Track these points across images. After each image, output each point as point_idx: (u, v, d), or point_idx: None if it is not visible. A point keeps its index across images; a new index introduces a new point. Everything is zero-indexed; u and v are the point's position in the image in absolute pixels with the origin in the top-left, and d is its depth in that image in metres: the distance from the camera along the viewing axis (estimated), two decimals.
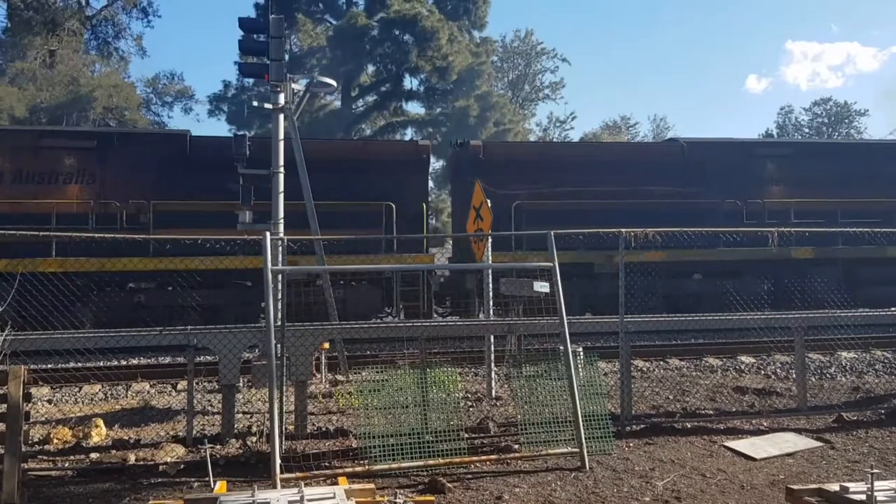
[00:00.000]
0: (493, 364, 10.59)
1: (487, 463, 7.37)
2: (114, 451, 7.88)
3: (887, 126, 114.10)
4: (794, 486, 6.17)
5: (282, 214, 11.62)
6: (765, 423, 8.96)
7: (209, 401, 10.51)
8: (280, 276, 8.69)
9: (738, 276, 18.10)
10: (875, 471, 5.53)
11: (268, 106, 11.75)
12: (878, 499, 5.41)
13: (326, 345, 10.64)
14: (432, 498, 6.18)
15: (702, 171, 18.98)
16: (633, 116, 73.98)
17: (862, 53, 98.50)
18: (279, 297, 8.63)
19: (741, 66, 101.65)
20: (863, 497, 5.48)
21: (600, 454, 7.61)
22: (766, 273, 18.60)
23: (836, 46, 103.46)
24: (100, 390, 11.43)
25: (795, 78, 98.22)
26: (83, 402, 10.82)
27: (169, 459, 7.44)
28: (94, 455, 7.75)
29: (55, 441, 8.32)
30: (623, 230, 9.01)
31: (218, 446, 7.84)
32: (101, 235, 12.25)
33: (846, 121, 56.92)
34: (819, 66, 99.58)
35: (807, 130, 57.43)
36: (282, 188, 11.66)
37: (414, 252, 17.04)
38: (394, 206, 16.82)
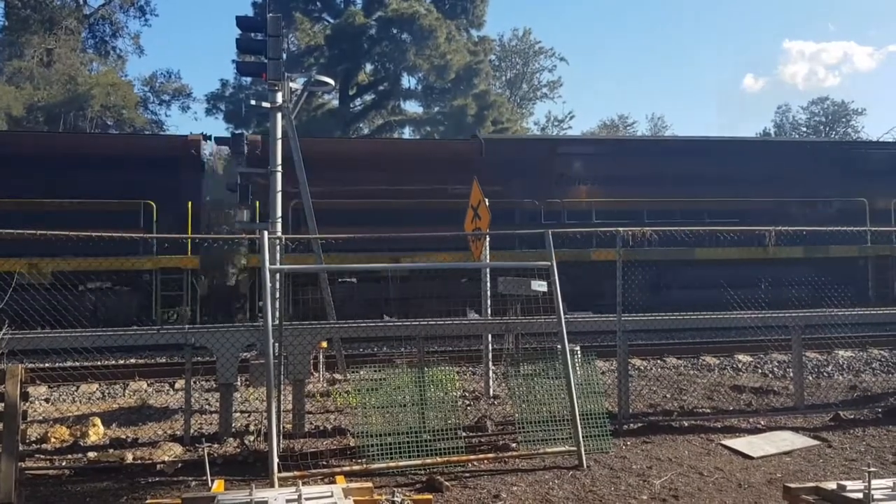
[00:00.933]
0: (490, 363, 10.60)
1: (485, 461, 7.38)
2: (111, 451, 7.87)
3: (884, 125, 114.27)
4: (792, 485, 6.17)
5: (279, 213, 11.61)
6: (762, 422, 8.97)
7: (207, 400, 10.51)
8: (278, 275, 8.70)
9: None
10: (872, 469, 5.53)
11: (265, 105, 11.74)
12: (875, 497, 5.42)
13: (324, 344, 10.64)
14: (430, 497, 6.18)
15: (503, 169, 18.06)
16: (630, 115, 74.00)
17: (859, 52, 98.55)
18: (277, 295, 8.63)
19: (738, 64, 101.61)
20: (860, 495, 5.49)
21: (598, 453, 7.62)
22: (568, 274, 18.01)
23: (833, 45, 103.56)
24: (97, 389, 11.42)
25: (793, 77, 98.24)
26: (81, 401, 10.81)
27: (166, 458, 7.44)
28: (91, 454, 7.75)
29: (52, 440, 8.31)
30: (620, 229, 9.01)
31: (216, 445, 7.84)
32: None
33: (843, 120, 56.98)
34: (816, 65, 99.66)
35: (804, 129, 57.47)
36: (279, 187, 11.66)
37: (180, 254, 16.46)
38: (155, 206, 16.29)
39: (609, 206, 18.19)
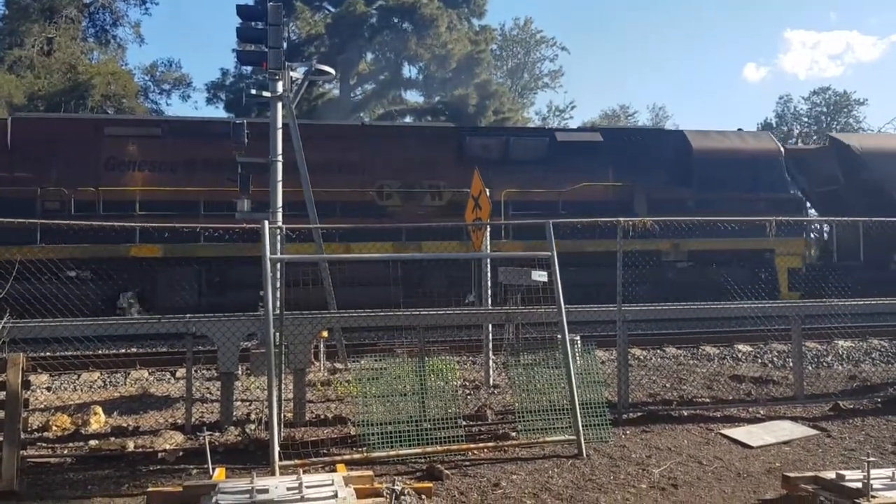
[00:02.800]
0: (490, 352, 10.62)
1: (485, 450, 7.41)
2: (113, 439, 7.90)
3: (886, 115, 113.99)
4: (791, 474, 6.22)
5: (280, 203, 11.61)
6: (761, 412, 9.00)
7: (208, 388, 10.54)
8: (279, 265, 8.71)
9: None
10: (871, 459, 5.57)
11: (266, 94, 11.72)
12: (874, 486, 5.46)
13: (325, 333, 10.67)
14: (430, 485, 6.21)
15: (39, 153, 16.39)
16: (631, 105, 73.87)
17: (861, 42, 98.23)
18: (277, 285, 8.64)
19: (739, 54, 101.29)
20: (859, 485, 5.53)
21: (597, 442, 7.65)
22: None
23: (834, 35, 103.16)
24: (98, 378, 11.45)
25: (794, 66, 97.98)
26: (82, 390, 10.84)
27: (168, 447, 7.47)
28: (92, 442, 7.77)
29: (54, 428, 8.34)
30: (621, 219, 9.02)
31: (217, 434, 7.87)
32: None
33: (845, 110, 56.81)
34: (818, 55, 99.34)
35: (806, 120, 57.33)
36: (280, 176, 11.65)
37: None
38: None
39: (156, 196, 16.61)
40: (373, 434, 7.29)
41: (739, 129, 23.03)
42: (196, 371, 10.55)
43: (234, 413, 8.60)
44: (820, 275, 18.10)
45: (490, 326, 10.49)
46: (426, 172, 18.69)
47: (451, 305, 10.49)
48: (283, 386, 7.85)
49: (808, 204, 23.37)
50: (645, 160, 19.45)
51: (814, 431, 8.22)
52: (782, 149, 21.06)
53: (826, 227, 22.39)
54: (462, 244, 15.72)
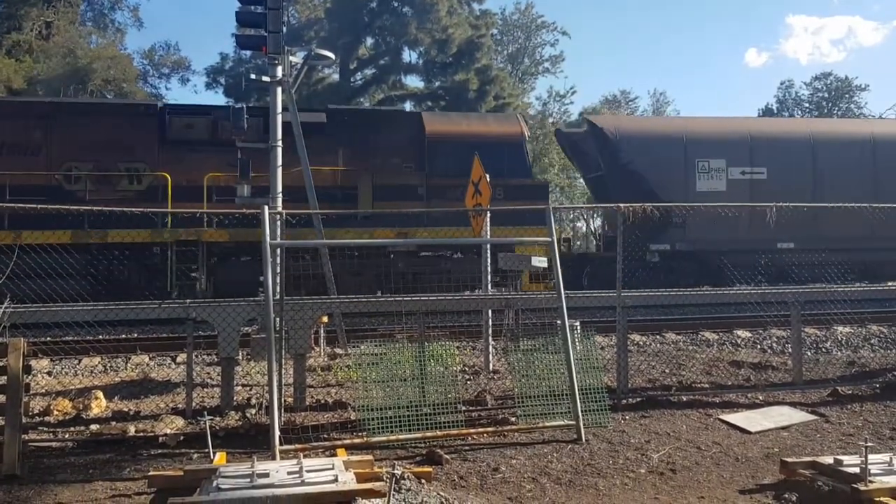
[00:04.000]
0: (490, 338, 10.64)
1: (485, 435, 7.44)
2: (114, 423, 7.93)
3: (888, 101, 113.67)
4: (789, 459, 6.25)
5: (280, 188, 11.60)
6: (760, 397, 9.03)
7: (208, 373, 10.56)
8: (279, 250, 8.71)
9: None
10: (869, 444, 5.59)
11: (265, 79, 11.69)
12: (872, 472, 5.48)
13: (325, 318, 10.69)
14: (430, 469, 6.23)
15: None
16: (632, 91, 73.64)
17: (863, 27, 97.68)
18: (278, 270, 8.65)
19: (741, 39, 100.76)
20: (856, 470, 5.55)
21: (596, 427, 7.67)
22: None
23: (836, 20, 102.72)
24: (99, 363, 11.48)
25: (795, 52, 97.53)
26: (83, 375, 10.87)
27: (168, 431, 7.49)
28: (93, 426, 7.80)
29: (55, 413, 8.37)
30: (622, 204, 9.02)
31: (217, 418, 7.88)
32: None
33: (847, 96, 56.65)
34: (819, 40, 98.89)
35: (807, 105, 57.16)
36: (280, 161, 11.64)
37: None
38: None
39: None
40: (373, 419, 7.31)
41: (487, 112, 22.66)
42: (197, 356, 10.57)
43: (235, 398, 8.62)
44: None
45: (490, 312, 10.51)
46: (123, 154, 17.34)
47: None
48: (283, 371, 7.87)
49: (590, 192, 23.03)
50: (376, 143, 18.40)
51: (812, 417, 8.24)
52: (526, 132, 19.98)
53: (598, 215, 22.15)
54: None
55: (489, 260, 10.55)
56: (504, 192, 17.56)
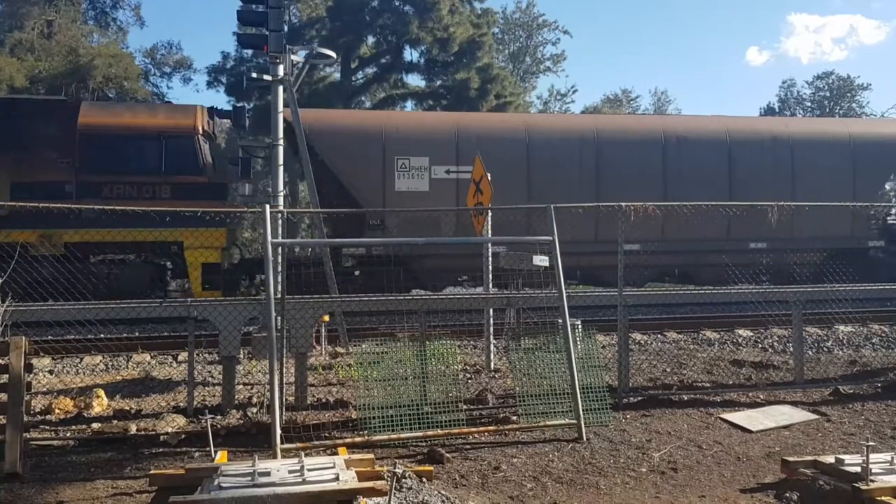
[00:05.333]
0: (491, 337, 10.64)
1: (486, 434, 7.44)
2: (115, 422, 7.94)
3: (890, 100, 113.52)
4: (790, 458, 6.24)
5: (282, 187, 11.61)
6: (761, 396, 9.02)
7: (210, 372, 10.57)
8: (280, 249, 8.71)
9: None
10: (870, 443, 5.59)
11: (267, 77, 11.70)
12: (873, 471, 5.48)
13: (326, 317, 10.69)
14: (431, 468, 6.24)
15: None
16: (634, 90, 73.59)
17: (865, 25, 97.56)
18: (279, 269, 8.65)
19: (742, 37, 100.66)
20: (857, 469, 5.55)
21: (597, 426, 7.68)
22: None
23: (838, 18, 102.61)
24: (101, 361, 11.49)
25: (797, 50, 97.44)
26: (84, 373, 10.88)
27: (170, 430, 7.50)
28: (95, 425, 7.81)
29: (57, 411, 8.38)
30: (623, 203, 9.01)
31: (219, 417, 7.90)
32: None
33: (848, 95, 56.59)
34: (821, 38, 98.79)
35: (809, 104, 57.14)
36: (281, 160, 11.64)
37: None
38: None
39: None
40: (374, 418, 7.32)
41: (168, 102, 20.74)
42: (198, 355, 10.58)
43: (236, 397, 8.63)
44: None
45: (491, 311, 10.51)
46: None
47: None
48: (284, 370, 7.87)
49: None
50: (20, 135, 16.27)
51: (813, 416, 8.24)
52: (202, 126, 17.84)
53: None
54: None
55: (490, 259, 10.56)
56: (171, 191, 16.27)
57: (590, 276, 19.48)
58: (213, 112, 16.88)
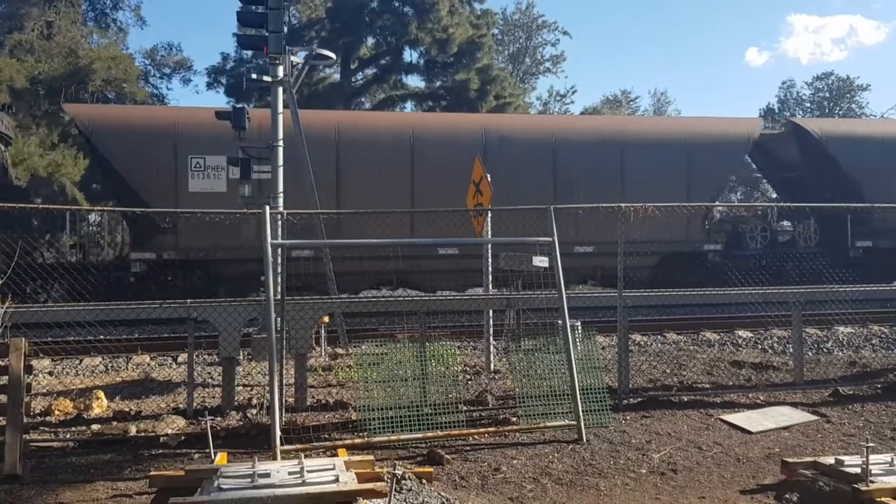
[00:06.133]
0: (491, 338, 10.64)
1: (486, 435, 7.44)
2: (115, 423, 7.93)
3: (889, 101, 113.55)
4: (790, 459, 6.24)
5: (281, 187, 11.60)
6: (761, 397, 9.02)
7: (209, 373, 10.57)
8: (280, 250, 8.71)
9: None
10: (870, 444, 5.59)
11: (266, 78, 11.69)
12: (873, 472, 5.48)
13: (326, 318, 10.69)
14: (431, 469, 6.24)
15: None
16: (633, 90, 73.55)
17: (864, 26, 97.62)
18: (279, 270, 8.65)
19: (741, 38, 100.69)
20: (857, 470, 5.55)
21: (597, 427, 7.67)
22: None
23: (837, 19, 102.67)
24: (100, 363, 11.49)
25: (796, 51, 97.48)
26: (84, 375, 10.88)
27: (170, 431, 7.50)
28: (95, 426, 7.81)
29: (56, 413, 8.38)
30: (622, 204, 9.01)
31: (218, 418, 7.90)
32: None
33: (848, 95, 56.62)
34: (821, 39, 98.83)
35: (808, 105, 57.16)
36: (281, 161, 11.64)
37: None
38: None
39: None
40: (374, 419, 7.32)
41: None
42: (198, 356, 10.58)
43: (236, 398, 8.63)
44: None
45: (491, 312, 10.50)
46: None
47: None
48: (284, 371, 7.87)
49: None
50: None
51: (813, 417, 8.24)
52: None
53: None
54: None
55: (489, 260, 10.55)
56: None
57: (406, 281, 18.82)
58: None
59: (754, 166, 29.24)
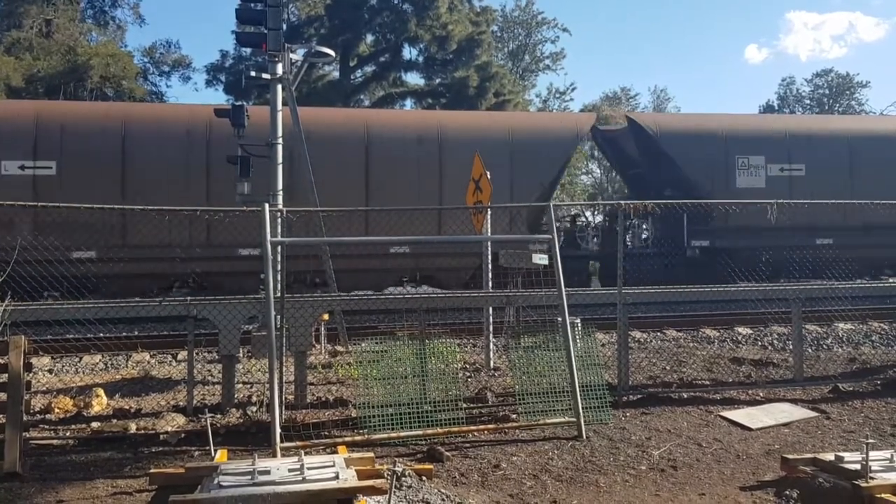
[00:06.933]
0: (491, 335, 10.64)
1: (485, 432, 7.44)
2: (115, 421, 7.93)
3: (889, 97, 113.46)
4: (790, 456, 6.25)
5: (280, 185, 11.59)
6: (761, 394, 9.03)
7: (209, 371, 10.57)
8: (279, 248, 8.70)
9: None
10: (870, 441, 5.59)
11: (266, 76, 11.67)
12: (873, 468, 5.48)
13: (326, 316, 10.68)
14: (431, 466, 6.24)
15: None
16: (633, 87, 73.50)
17: (864, 22, 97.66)
18: (278, 268, 8.64)
19: (741, 35, 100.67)
20: (857, 466, 5.55)
21: (597, 424, 7.68)
22: None
23: (837, 15, 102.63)
24: (100, 360, 11.49)
25: (795, 48, 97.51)
26: (84, 372, 10.88)
27: (170, 429, 7.50)
28: (95, 424, 7.81)
29: (56, 411, 8.37)
30: (622, 202, 9.01)
31: (218, 416, 7.90)
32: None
33: (847, 92, 56.64)
34: (820, 35, 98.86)
35: (808, 102, 57.19)
36: (280, 159, 11.63)
37: None
38: None
39: None
40: (374, 416, 7.32)
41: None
42: (197, 354, 10.57)
43: (236, 395, 8.63)
44: None
45: (491, 309, 10.50)
46: None
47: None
48: (284, 368, 7.87)
49: None
50: None
51: (813, 413, 8.24)
52: None
53: None
54: None
55: (490, 257, 10.55)
56: None
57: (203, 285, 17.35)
58: None
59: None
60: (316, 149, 14.36)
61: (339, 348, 11.95)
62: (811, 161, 20.78)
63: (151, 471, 6.08)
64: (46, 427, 7.80)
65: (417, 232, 11.52)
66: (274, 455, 6.48)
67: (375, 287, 17.06)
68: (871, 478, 5.39)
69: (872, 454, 5.55)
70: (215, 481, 5.26)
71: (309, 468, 5.41)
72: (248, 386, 9.56)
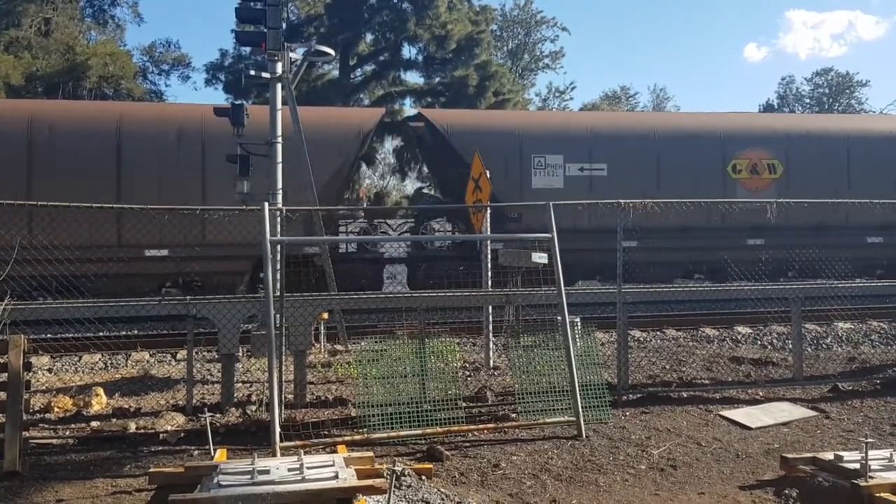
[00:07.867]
0: (491, 334, 10.64)
1: (485, 431, 7.44)
2: (114, 420, 7.94)
3: (889, 96, 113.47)
4: (789, 455, 6.25)
5: (280, 184, 11.59)
6: (760, 393, 9.03)
7: (209, 370, 10.57)
8: (279, 247, 8.70)
9: None
10: (869, 440, 5.59)
11: (265, 75, 11.66)
12: (872, 467, 5.49)
13: (325, 315, 10.68)
14: (430, 466, 6.24)
15: None
16: (632, 86, 73.42)
17: (864, 21, 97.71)
18: (278, 267, 8.64)
19: (740, 34, 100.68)
20: (856, 465, 5.56)
21: (597, 423, 7.68)
22: None
23: (836, 14, 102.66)
24: (100, 359, 11.48)
25: (795, 46, 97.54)
26: (83, 372, 10.88)
27: (169, 428, 7.50)
28: (94, 423, 7.81)
29: (56, 410, 8.37)
30: (622, 201, 9.00)
31: (218, 415, 7.90)
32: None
33: (847, 91, 56.64)
34: (820, 34, 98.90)
35: (808, 101, 57.18)
36: (280, 158, 11.62)
37: None
38: None
39: None
40: (373, 415, 7.31)
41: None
42: (197, 353, 10.57)
43: (235, 395, 8.63)
44: None
45: (490, 308, 10.50)
46: None
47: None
48: (283, 367, 7.86)
49: None
50: None
51: (812, 413, 8.25)
52: None
53: None
54: None
55: (489, 256, 10.54)
56: None
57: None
58: None
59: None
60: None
61: (338, 347, 11.95)
62: (615, 160, 19.29)
63: (151, 470, 6.08)
64: (46, 426, 7.80)
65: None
66: (273, 454, 6.48)
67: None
68: (871, 477, 5.39)
69: (872, 453, 5.55)
70: (215, 480, 5.26)
71: (308, 467, 5.41)
72: (248, 385, 9.56)
